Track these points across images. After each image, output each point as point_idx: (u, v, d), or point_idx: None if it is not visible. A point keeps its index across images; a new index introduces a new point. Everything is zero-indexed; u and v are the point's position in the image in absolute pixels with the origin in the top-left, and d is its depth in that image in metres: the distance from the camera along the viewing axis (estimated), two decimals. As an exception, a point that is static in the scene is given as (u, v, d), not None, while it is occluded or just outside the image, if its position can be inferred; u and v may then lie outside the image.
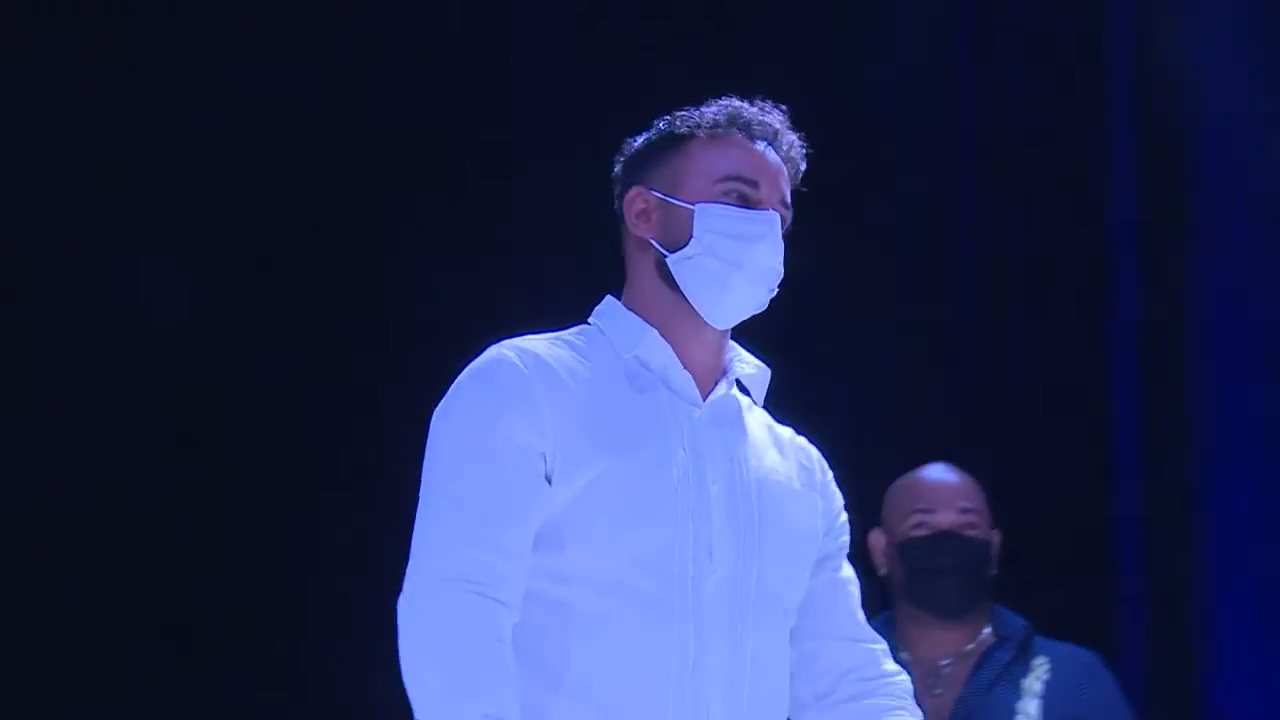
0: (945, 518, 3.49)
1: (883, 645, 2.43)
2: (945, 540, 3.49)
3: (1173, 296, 4.70)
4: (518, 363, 2.28)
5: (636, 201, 2.38)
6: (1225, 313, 4.66)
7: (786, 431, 2.47)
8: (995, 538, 3.53)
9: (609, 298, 2.42)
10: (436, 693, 2.16)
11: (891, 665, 2.44)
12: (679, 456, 2.29)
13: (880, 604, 3.52)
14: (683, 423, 2.32)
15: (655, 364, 2.34)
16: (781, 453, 2.43)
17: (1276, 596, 4.29)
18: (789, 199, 2.38)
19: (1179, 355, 4.67)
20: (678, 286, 2.34)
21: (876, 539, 3.52)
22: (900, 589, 3.52)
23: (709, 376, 2.36)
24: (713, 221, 2.33)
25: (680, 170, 2.37)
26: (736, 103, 2.39)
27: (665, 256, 2.35)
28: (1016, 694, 3.30)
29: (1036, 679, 3.31)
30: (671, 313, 2.35)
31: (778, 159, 2.38)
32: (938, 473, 3.57)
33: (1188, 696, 4.34)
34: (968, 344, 4.79)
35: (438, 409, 2.32)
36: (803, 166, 2.40)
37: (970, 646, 3.49)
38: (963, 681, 3.47)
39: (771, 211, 2.35)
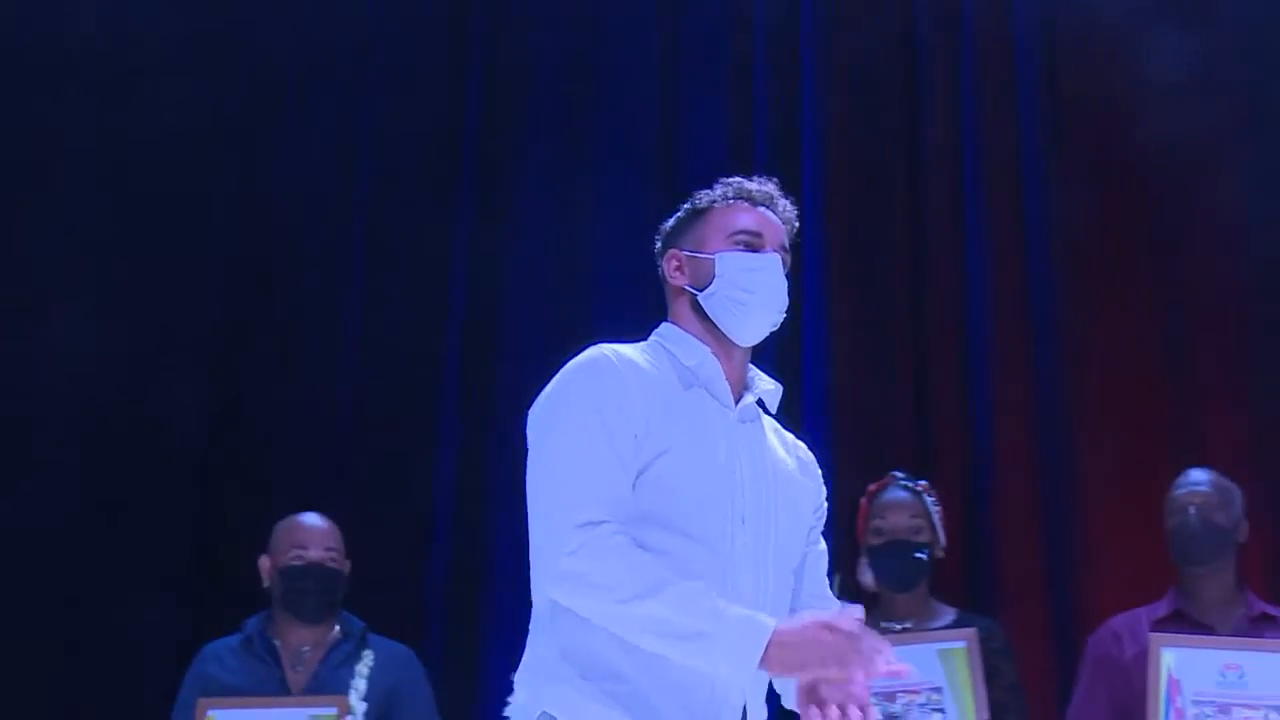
0: (315, 553, 4.23)
1: (837, 605, 2.78)
2: (313, 569, 4.23)
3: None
4: (615, 362, 2.67)
5: (672, 260, 2.84)
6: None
7: (790, 436, 2.90)
8: (346, 567, 4.28)
9: (668, 323, 2.85)
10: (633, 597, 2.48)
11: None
12: (720, 445, 2.68)
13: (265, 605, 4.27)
14: (722, 420, 2.72)
15: (703, 374, 2.75)
16: (787, 450, 2.84)
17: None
18: (788, 245, 2.84)
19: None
20: (708, 317, 2.79)
21: (265, 562, 4.26)
22: (278, 599, 4.23)
23: (737, 388, 2.78)
24: (728, 264, 2.78)
25: (702, 233, 2.82)
26: (741, 179, 2.87)
27: (696, 295, 2.79)
28: (352, 674, 3.92)
29: (366, 664, 3.91)
30: (709, 338, 2.79)
31: (775, 218, 2.84)
32: (312, 519, 4.29)
33: (473, 682, 5.00)
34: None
35: (546, 398, 2.70)
36: (796, 224, 2.87)
37: (323, 639, 4.22)
38: (317, 663, 4.17)
39: (773, 253, 2.79)
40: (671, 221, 2.88)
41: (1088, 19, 5.18)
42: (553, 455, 2.63)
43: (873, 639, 2.50)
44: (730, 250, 2.79)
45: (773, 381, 2.84)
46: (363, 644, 4.21)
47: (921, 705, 3.91)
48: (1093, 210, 5.18)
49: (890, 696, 3.86)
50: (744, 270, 2.78)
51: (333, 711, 4.10)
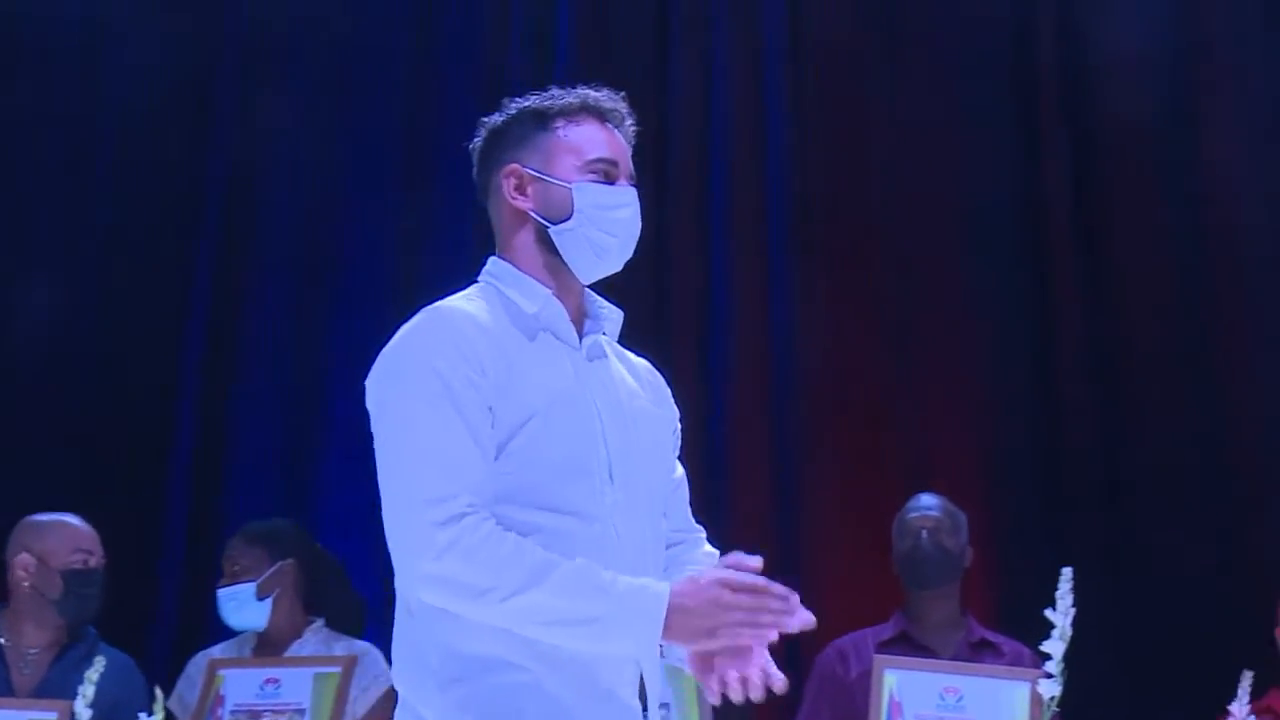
0: (96, 559, 4.19)
1: (700, 532, 2.62)
2: (95, 574, 4.17)
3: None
4: (456, 324, 2.36)
5: (511, 177, 2.48)
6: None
7: (635, 359, 2.62)
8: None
9: (497, 259, 2.51)
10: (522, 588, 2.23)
11: (702, 538, 2.62)
12: (577, 400, 2.41)
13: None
14: (572, 367, 2.45)
15: (546, 317, 2.45)
16: (638, 379, 2.58)
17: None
18: (633, 172, 2.53)
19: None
20: (558, 252, 2.48)
21: (26, 560, 4.15)
22: (33, 598, 4.14)
23: (579, 322, 2.50)
24: (588, 197, 2.46)
25: (549, 150, 2.47)
26: (587, 90, 2.53)
27: (548, 227, 2.47)
28: (80, 679, 3.77)
29: (96, 670, 3.76)
30: (552, 273, 2.48)
31: (624, 140, 2.53)
32: (83, 522, 4.23)
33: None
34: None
35: (384, 369, 2.39)
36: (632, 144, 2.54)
37: (52, 642, 4.19)
38: (46, 665, 4.15)
39: (632, 187, 2.51)
40: (502, 121, 2.53)
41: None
42: (399, 439, 2.34)
43: (779, 590, 2.29)
44: (587, 181, 2.49)
45: (613, 307, 2.58)
46: (94, 650, 4.13)
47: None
48: (834, 223, 5.34)
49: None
50: (606, 208, 2.49)
51: (53, 716, 3.98)
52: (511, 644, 2.31)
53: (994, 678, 3.96)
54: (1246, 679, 3.88)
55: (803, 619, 2.31)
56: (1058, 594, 3.61)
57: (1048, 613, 3.48)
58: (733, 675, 2.31)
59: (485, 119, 2.53)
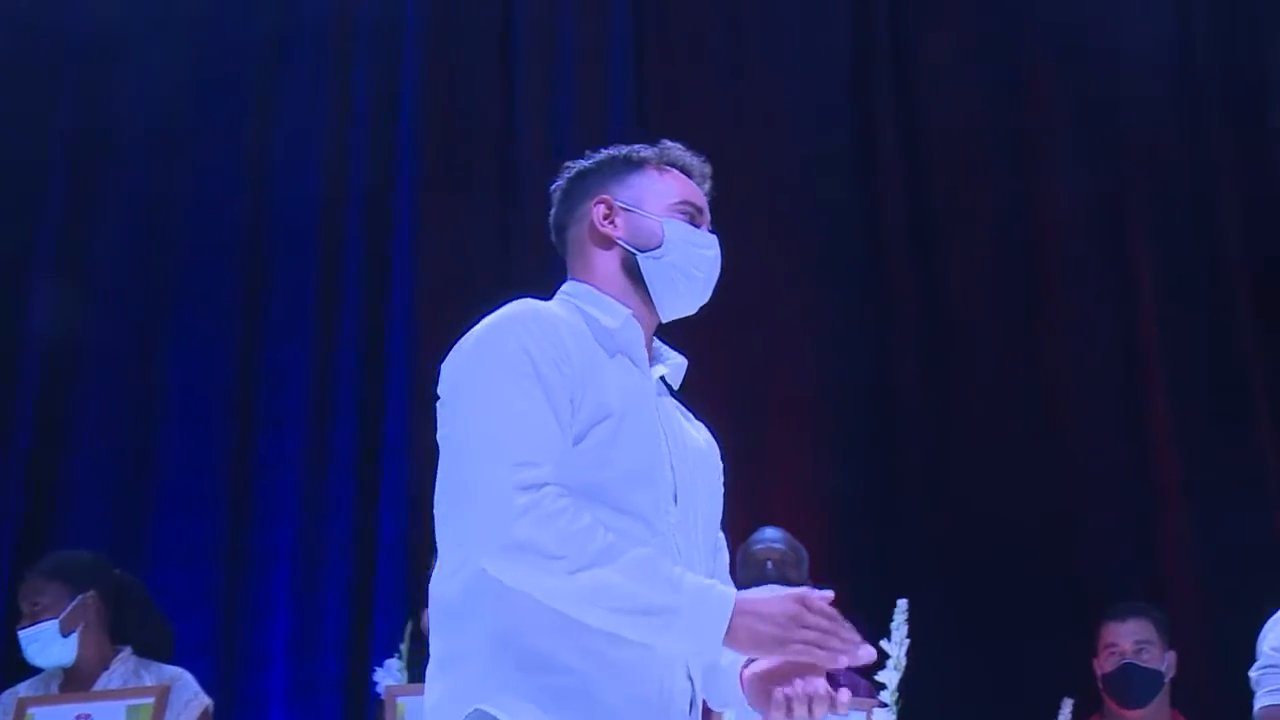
0: None
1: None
2: None
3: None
4: (547, 317, 2.40)
5: (601, 206, 2.54)
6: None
7: (699, 424, 2.63)
8: None
9: (575, 281, 2.55)
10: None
11: None
12: (651, 415, 2.44)
13: None
14: (646, 389, 2.48)
15: (624, 339, 2.48)
16: (693, 425, 2.60)
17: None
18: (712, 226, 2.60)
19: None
20: (642, 280, 2.54)
21: None
22: None
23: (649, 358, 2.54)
24: (678, 233, 2.54)
25: (641, 188, 2.56)
26: (674, 144, 2.62)
27: (637, 254, 2.53)
28: None
29: None
30: (631, 300, 2.52)
31: (705, 195, 2.62)
32: None
33: None
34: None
35: (473, 348, 2.38)
36: None
37: None
38: None
39: (714, 235, 2.59)
40: (592, 163, 2.61)
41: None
42: (484, 410, 2.31)
43: (848, 625, 2.26)
44: (677, 219, 2.56)
45: (679, 355, 2.61)
46: None
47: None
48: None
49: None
50: (696, 245, 2.56)
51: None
52: (564, 642, 2.29)
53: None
54: (1067, 706, 4.05)
55: (867, 653, 2.28)
56: (892, 625, 3.71)
57: (883, 643, 3.56)
58: (799, 686, 2.29)
59: (570, 163, 2.62)
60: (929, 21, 5.60)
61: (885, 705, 3.45)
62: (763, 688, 2.34)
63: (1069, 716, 4.08)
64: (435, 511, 2.39)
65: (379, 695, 4.13)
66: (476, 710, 2.29)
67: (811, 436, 5.27)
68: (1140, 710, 4.35)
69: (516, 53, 5.64)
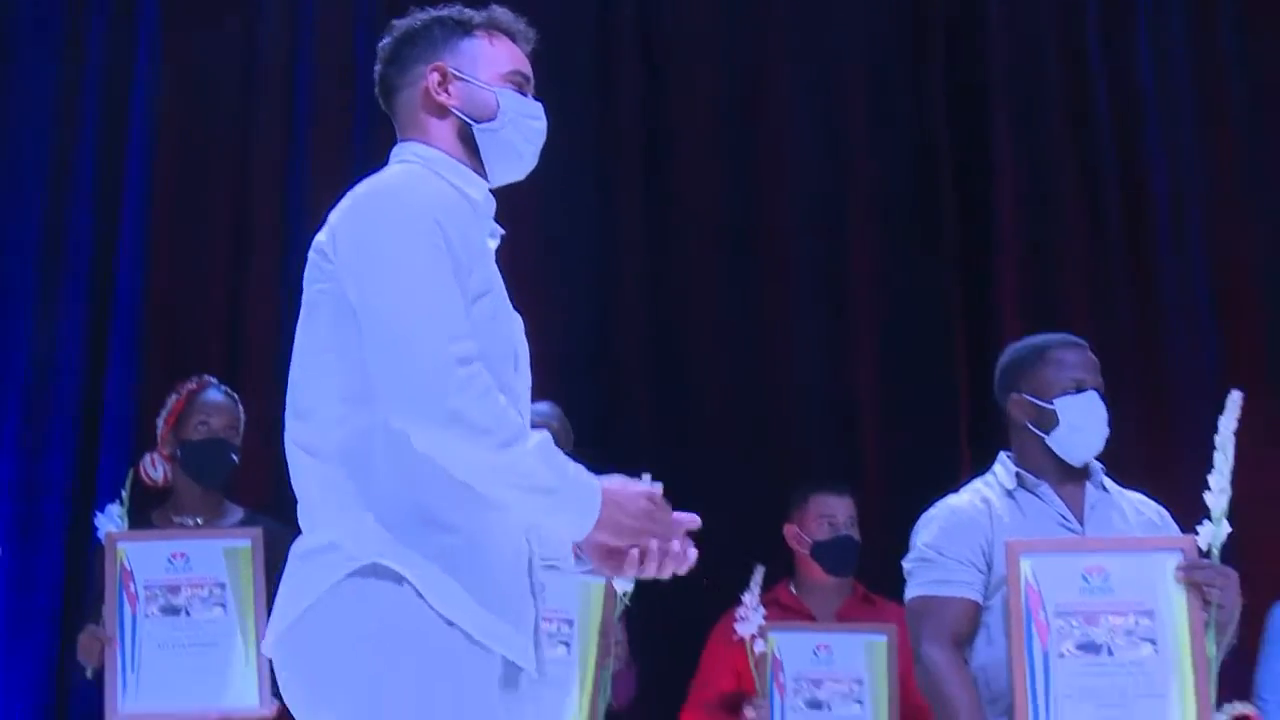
0: None
1: None
2: None
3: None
4: (437, 182, 2.49)
5: (435, 73, 2.56)
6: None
7: None
8: None
9: (418, 144, 2.58)
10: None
11: None
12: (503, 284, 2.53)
13: None
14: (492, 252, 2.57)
15: (484, 210, 2.59)
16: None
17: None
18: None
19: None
20: (476, 150, 2.58)
21: None
22: None
23: None
24: (512, 104, 2.58)
25: (474, 57, 2.58)
26: (502, 9, 2.66)
27: (473, 124, 2.57)
28: None
29: None
30: (468, 165, 2.57)
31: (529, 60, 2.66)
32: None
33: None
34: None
35: (378, 208, 2.43)
36: None
37: None
38: None
39: (540, 102, 2.63)
40: (420, 23, 2.63)
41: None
42: (412, 279, 2.36)
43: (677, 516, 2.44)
44: (509, 89, 2.60)
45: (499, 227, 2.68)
46: None
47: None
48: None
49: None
50: (528, 116, 2.61)
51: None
52: (452, 503, 2.37)
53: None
54: (758, 573, 4.32)
55: (693, 556, 2.46)
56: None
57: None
58: (654, 543, 2.42)
59: (395, 20, 2.63)
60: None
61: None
62: (607, 550, 2.45)
63: (759, 582, 4.35)
64: (305, 360, 2.47)
65: (99, 540, 4.18)
66: (374, 563, 2.36)
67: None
68: (839, 579, 4.76)
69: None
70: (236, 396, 4.46)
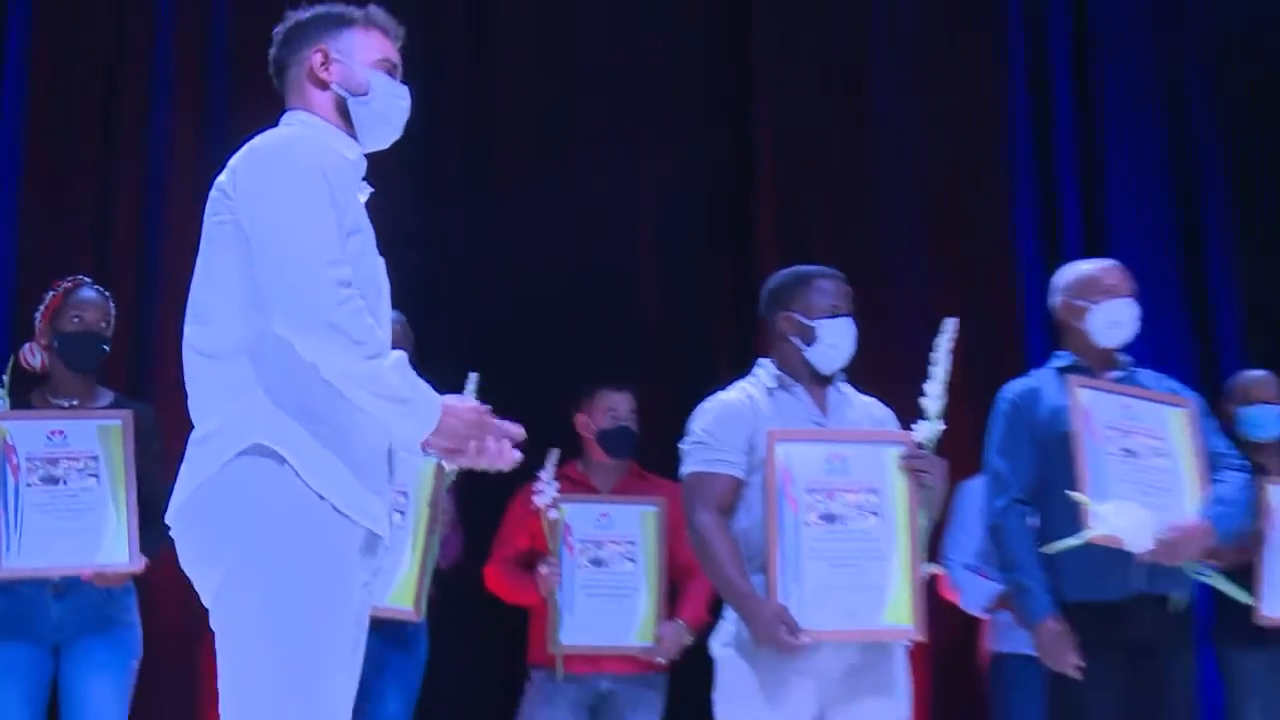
0: None
1: None
2: None
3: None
4: (327, 145, 2.85)
5: (319, 54, 2.95)
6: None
7: None
8: None
9: (299, 111, 2.97)
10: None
11: None
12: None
13: None
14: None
15: (355, 162, 2.95)
16: None
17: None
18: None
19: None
20: (349, 120, 2.96)
21: None
22: None
23: None
24: (382, 85, 2.98)
25: (352, 44, 2.96)
26: (377, 9, 3.04)
27: (348, 98, 2.96)
28: None
29: None
30: (345, 131, 2.96)
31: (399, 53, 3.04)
32: None
33: None
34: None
35: (273, 155, 2.77)
36: None
37: None
38: None
39: (406, 86, 3.01)
40: (309, 16, 3.00)
41: None
42: (297, 213, 2.69)
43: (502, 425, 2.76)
44: (379, 72, 2.98)
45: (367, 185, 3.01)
46: None
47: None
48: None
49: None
50: (395, 96, 2.99)
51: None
52: (326, 402, 2.69)
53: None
54: (553, 455, 4.96)
55: (514, 457, 2.83)
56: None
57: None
58: (476, 448, 2.76)
59: (289, 12, 3.02)
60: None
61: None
62: (443, 448, 2.80)
63: (555, 463, 4.97)
64: (207, 277, 2.81)
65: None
66: (256, 444, 2.71)
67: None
68: (618, 460, 5.39)
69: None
70: (109, 294, 4.74)
